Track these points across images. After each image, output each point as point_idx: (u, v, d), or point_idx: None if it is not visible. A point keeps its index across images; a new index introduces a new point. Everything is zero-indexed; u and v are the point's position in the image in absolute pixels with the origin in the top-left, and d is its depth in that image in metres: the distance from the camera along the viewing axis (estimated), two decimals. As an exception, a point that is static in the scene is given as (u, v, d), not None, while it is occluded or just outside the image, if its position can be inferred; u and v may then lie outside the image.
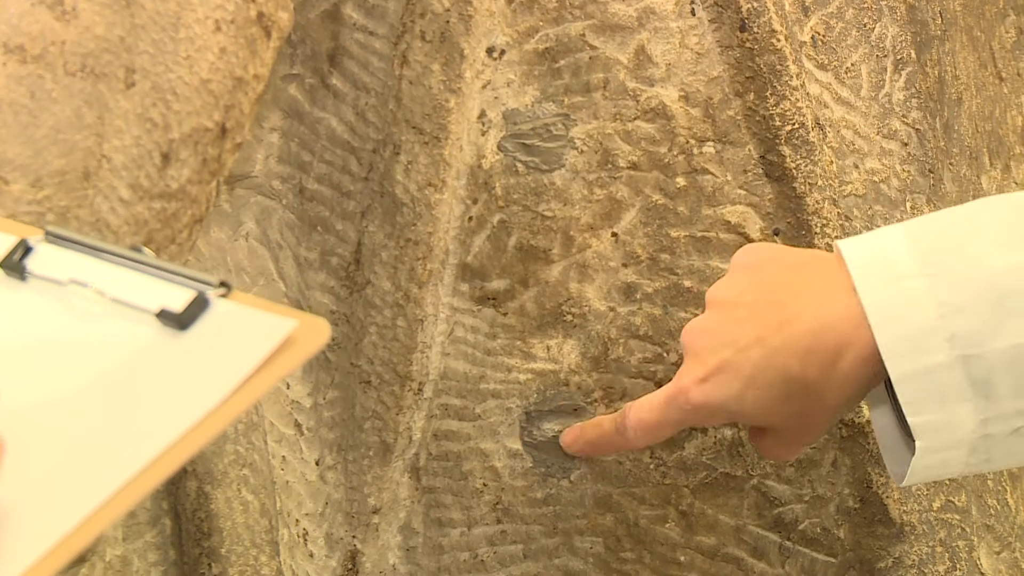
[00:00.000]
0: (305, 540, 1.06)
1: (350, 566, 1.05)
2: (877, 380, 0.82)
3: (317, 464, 1.04)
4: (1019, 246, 0.77)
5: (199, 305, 0.60)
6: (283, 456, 1.06)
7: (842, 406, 0.84)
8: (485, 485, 1.02)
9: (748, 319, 0.84)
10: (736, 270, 0.88)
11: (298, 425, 1.05)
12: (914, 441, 0.80)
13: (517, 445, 1.01)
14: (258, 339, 0.58)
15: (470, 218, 1.00)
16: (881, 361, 0.78)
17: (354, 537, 1.04)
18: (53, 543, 0.53)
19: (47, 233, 0.65)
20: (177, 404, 0.57)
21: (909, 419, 0.79)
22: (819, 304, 0.81)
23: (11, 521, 0.53)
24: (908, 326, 0.77)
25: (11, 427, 0.56)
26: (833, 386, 0.81)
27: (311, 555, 1.06)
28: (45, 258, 0.64)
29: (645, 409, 0.90)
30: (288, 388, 1.04)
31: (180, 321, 0.60)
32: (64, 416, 0.58)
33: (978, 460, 0.81)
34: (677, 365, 1.00)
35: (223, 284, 0.60)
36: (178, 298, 0.60)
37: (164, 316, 0.60)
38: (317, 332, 0.58)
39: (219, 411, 0.56)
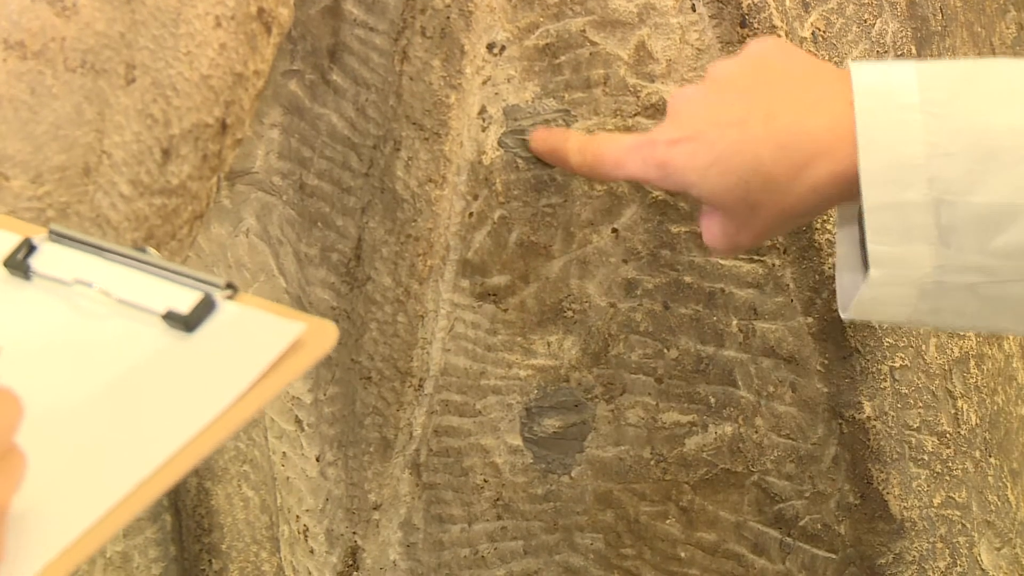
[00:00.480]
0: (306, 536, 1.06)
1: (351, 562, 1.05)
2: (839, 200, 0.82)
3: (318, 460, 1.04)
4: (1021, 108, 0.77)
5: (206, 307, 0.60)
6: (284, 452, 1.06)
7: (796, 215, 0.83)
8: (486, 481, 1.02)
9: (737, 101, 0.84)
10: (745, 55, 0.88)
11: (298, 421, 1.05)
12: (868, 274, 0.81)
13: (518, 441, 1.01)
14: (266, 342, 0.58)
15: (471, 214, 1.00)
16: (852, 182, 0.78)
17: (355, 533, 1.04)
18: (64, 546, 0.52)
19: (51, 232, 0.65)
20: (185, 407, 0.56)
21: (869, 246, 0.79)
22: (811, 108, 0.81)
23: (22, 525, 0.53)
24: (894, 156, 0.77)
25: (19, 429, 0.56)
26: (795, 189, 0.81)
27: (312, 551, 1.06)
28: (49, 257, 0.64)
29: (611, 145, 0.89)
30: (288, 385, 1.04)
31: (187, 323, 0.59)
32: (72, 418, 0.58)
33: (927, 307, 0.80)
34: (677, 361, 1.00)
35: (229, 286, 0.60)
36: (184, 299, 0.60)
37: (171, 318, 0.60)
38: (325, 335, 0.58)
39: (228, 414, 0.56)
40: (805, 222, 0.85)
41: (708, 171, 0.83)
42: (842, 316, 0.87)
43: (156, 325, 0.60)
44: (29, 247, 0.64)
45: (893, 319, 0.83)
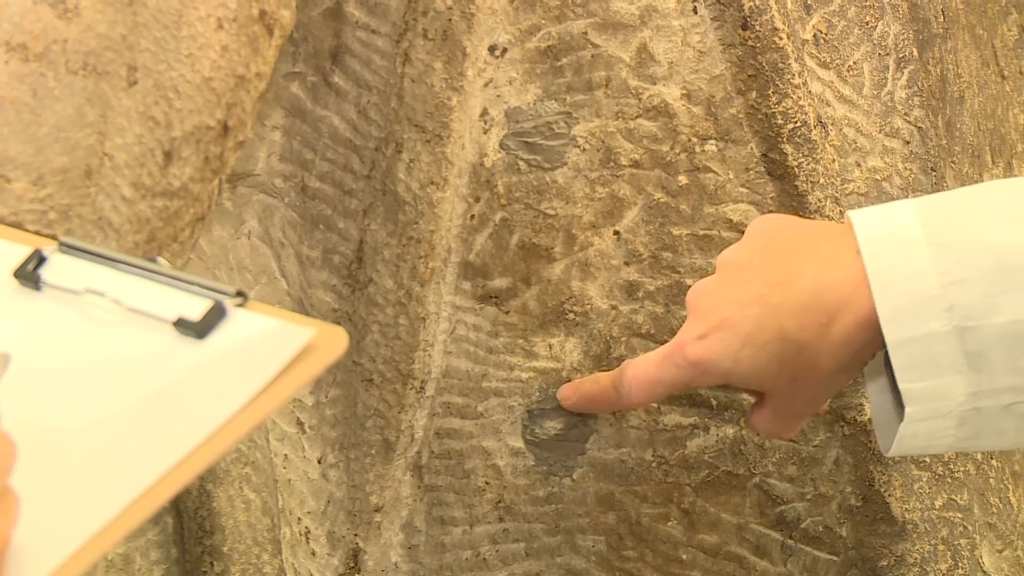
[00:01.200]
0: (307, 538, 1.06)
1: (352, 564, 1.05)
2: (871, 349, 0.82)
3: (319, 462, 1.04)
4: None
5: (216, 314, 0.60)
6: (285, 454, 1.06)
7: (835, 373, 0.83)
8: (487, 483, 1.02)
9: (753, 279, 0.84)
10: (748, 236, 0.88)
11: (300, 423, 1.05)
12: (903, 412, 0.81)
13: (519, 443, 1.01)
14: (276, 348, 0.58)
15: (472, 216, 1.00)
16: (877, 327, 0.79)
17: (356, 535, 1.04)
18: (74, 549, 0.53)
19: (61, 243, 0.65)
20: (196, 412, 0.57)
21: (900, 385, 0.79)
22: (822, 266, 0.81)
23: (33, 529, 0.53)
24: (909, 292, 0.77)
25: (31, 435, 0.56)
26: (826, 348, 0.81)
27: (313, 553, 1.06)
28: (59, 268, 0.64)
29: (642, 366, 0.90)
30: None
31: (198, 330, 0.60)
32: (84, 425, 0.58)
33: (966, 434, 0.81)
34: (679, 363, 1.00)
35: (240, 293, 0.60)
36: (195, 307, 0.60)
37: (182, 325, 0.60)
38: (335, 341, 0.58)
39: (237, 419, 0.56)
40: (849, 379, 0.85)
41: (740, 354, 0.83)
42: (886, 455, 0.88)
43: (167, 333, 0.60)
44: (39, 258, 0.64)
45: (936, 450, 0.83)
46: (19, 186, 0.76)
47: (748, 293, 0.84)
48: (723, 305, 0.85)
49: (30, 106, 0.76)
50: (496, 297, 1.00)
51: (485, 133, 0.99)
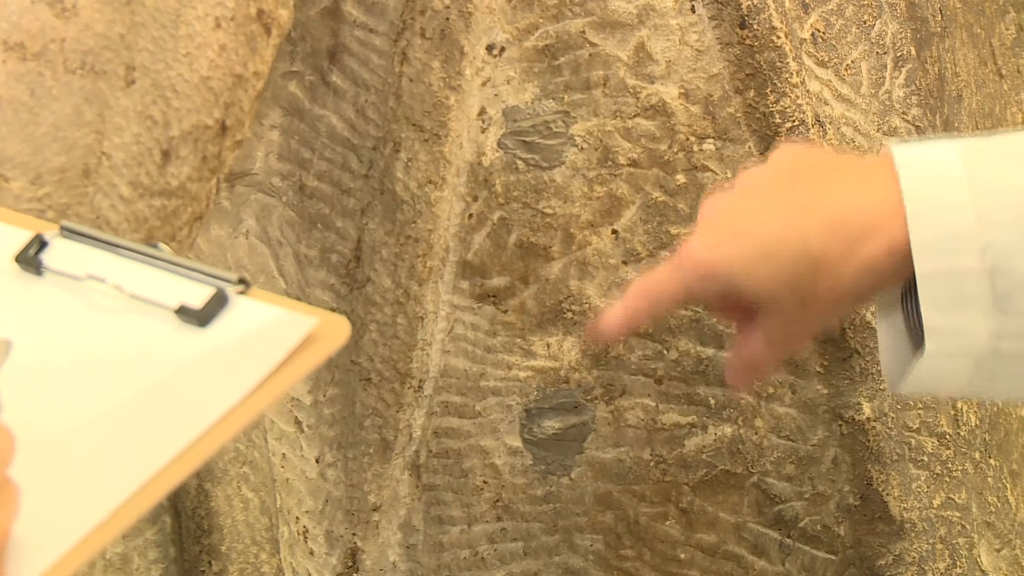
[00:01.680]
0: (305, 538, 1.06)
1: (350, 563, 1.05)
2: (893, 278, 0.81)
3: (317, 461, 1.04)
4: None
5: (219, 301, 0.60)
6: (283, 453, 1.06)
7: (845, 300, 0.82)
8: (485, 482, 1.02)
9: (778, 196, 0.83)
10: (773, 160, 0.87)
11: (298, 422, 1.05)
12: (920, 349, 0.80)
13: (517, 442, 1.01)
14: (279, 336, 0.58)
15: (470, 215, 1.00)
16: (905, 255, 0.77)
17: (354, 535, 1.04)
18: (76, 541, 0.52)
19: (62, 228, 0.65)
20: (199, 401, 0.57)
21: (926, 317, 0.78)
22: (855, 189, 0.80)
23: (34, 521, 0.53)
24: (944, 225, 0.77)
25: (31, 425, 0.56)
26: (848, 270, 0.80)
27: (311, 552, 1.06)
28: (61, 253, 0.64)
29: (646, 276, 0.89)
30: (288, 386, 1.04)
31: (200, 317, 0.60)
32: (86, 413, 0.58)
33: (981, 378, 0.80)
34: (677, 362, 1.00)
35: (242, 281, 0.60)
36: (197, 294, 0.60)
37: (184, 312, 0.60)
38: (338, 329, 0.58)
39: (241, 408, 0.56)
40: (852, 310, 0.84)
41: (755, 264, 0.82)
42: (892, 392, 0.87)
43: (169, 320, 0.60)
44: (40, 243, 0.64)
45: (948, 391, 0.82)
46: (17, 185, 0.76)
47: (773, 207, 0.82)
48: (743, 217, 0.83)
49: (28, 105, 0.76)
50: (494, 296, 1.00)
51: (483, 132, 0.99)
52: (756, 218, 0.82)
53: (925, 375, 0.81)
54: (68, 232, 0.65)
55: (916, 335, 0.81)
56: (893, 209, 0.78)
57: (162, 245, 0.64)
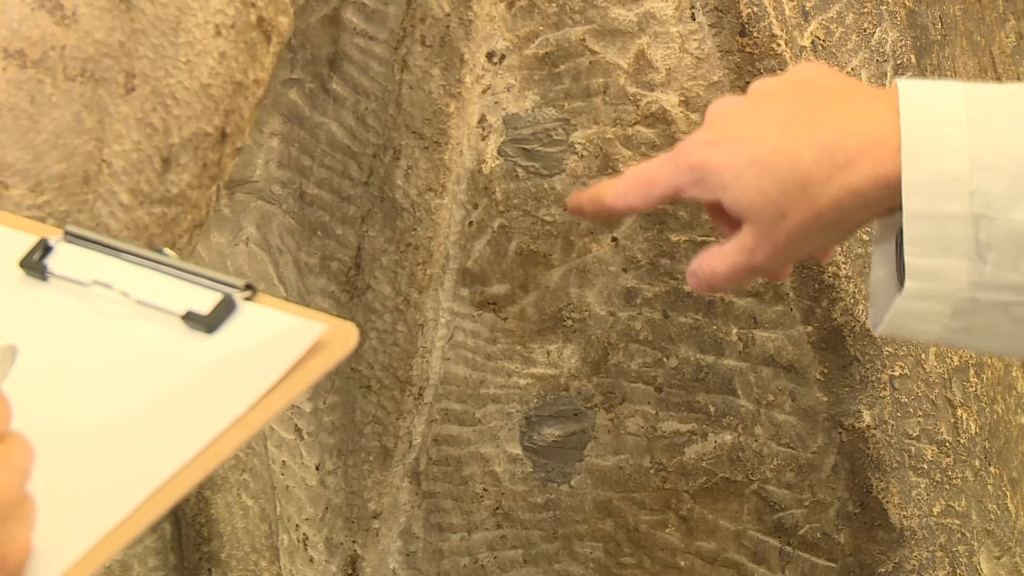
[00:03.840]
0: (305, 545, 1.06)
1: (350, 571, 1.05)
2: (874, 210, 0.81)
3: (317, 469, 1.04)
4: None
5: (226, 307, 0.59)
6: (283, 461, 1.06)
7: (824, 224, 0.82)
8: (485, 490, 1.02)
9: (782, 108, 0.83)
10: (789, 74, 0.88)
11: (298, 430, 1.05)
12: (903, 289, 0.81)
13: (517, 450, 1.01)
14: (288, 342, 0.57)
15: (470, 223, 1.00)
16: (890, 189, 0.78)
17: (354, 542, 1.04)
18: (86, 550, 0.52)
19: (67, 232, 0.64)
20: (208, 408, 0.56)
21: (907, 257, 0.78)
22: (856, 113, 0.81)
23: (44, 529, 0.53)
24: (937, 167, 0.77)
25: (40, 432, 0.55)
26: (832, 190, 0.80)
27: (311, 560, 1.06)
28: (66, 258, 0.63)
29: (641, 166, 0.89)
30: (288, 393, 1.04)
31: (207, 323, 0.59)
32: (96, 420, 0.58)
33: (959, 325, 0.80)
34: (677, 370, 1.00)
35: (248, 287, 0.60)
36: (204, 300, 0.60)
37: (191, 318, 0.59)
38: (346, 335, 0.57)
39: (250, 416, 0.55)
40: (827, 241, 0.84)
41: (744, 171, 0.83)
42: (874, 332, 0.87)
43: (176, 326, 0.60)
44: (45, 248, 0.64)
45: (925, 336, 0.82)
46: (17, 192, 0.76)
47: (773, 117, 0.83)
48: (743, 123, 0.84)
49: (28, 112, 0.76)
50: (494, 303, 1.00)
51: (483, 140, 0.99)
52: (757, 127, 0.83)
53: (903, 315, 0.81)
54: (72, 237, 0.64)
55: (903, 277, 0.81)
56: (888, 140, 0.79)
57: (167, 250, 0.63)
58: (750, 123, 0.84)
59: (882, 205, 0.80)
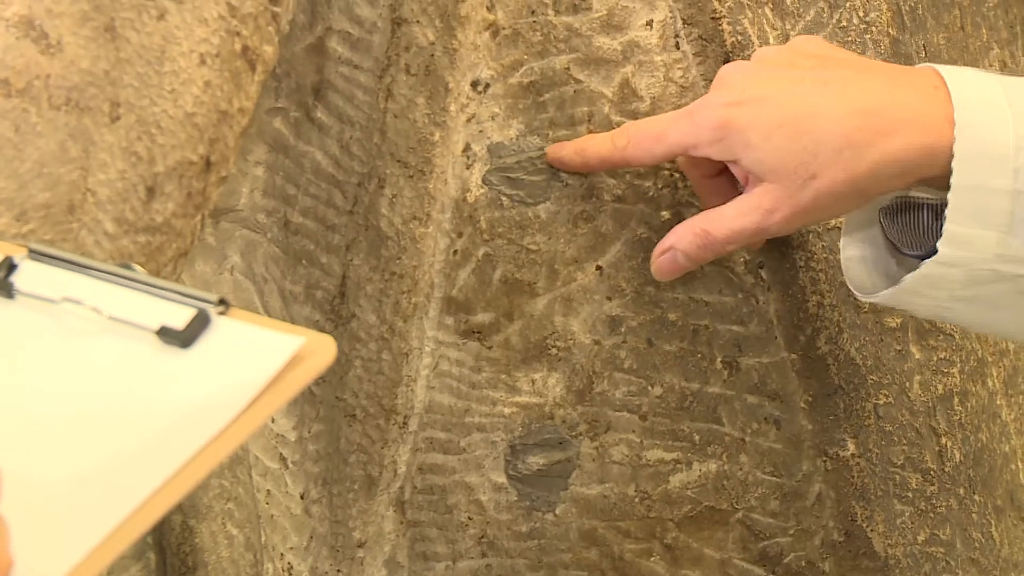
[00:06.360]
0: (290, 574, 1.05)
1: (335, 600, 1.04)
2: (909, 178, 0.81)
3: (302, 498, 1.04)
4: None
5: (201, 322, 0.58)
6: (268, 490, 1.06)
7: (853, 191, 0.82)
8: (470, 519, 1.02)
9: (810, 75, 0.82)
10: (790, 45, 0.87)
11: (283, 459, 1.04)
12: (898, 267, 0.81)
13: (502, 479, 1.01)
14: (266, 356, 0.56)
15: (455, 252, 1.00)
16: (932, 159, 0.79)
17: (339, 571, 1.04)
18: (66, 571, 0.52)
19: (31, 250, 0.63)
20: (186, 425, 0.55)
21: (948, 224, 0.79)
22: (897, 83, 0.81)
23: (18, 554, 0.52)
24: (987, 141, 0.79)
25: (11, 451, 0.55)
26: (872, 156, 0.80)
27: (296, 589, 1.05)
28: (32, 275, 0.62)
29: (647, 120, 0.88)
30: (273, 422, 1.04)
31: (183, 339, 0.58)
32: (69, 440, 0.57)
33: (967, 295, 0.81)
34: (662, 398, 1.00)
35: (222, 301, 0.59)
36: (178, 315, 0.59)
37: (165, 334, 0.58)
38: (324, 349, 0.57)
39: (231, 428, 0.55)
40: (846, 208, 0.83)
41: (775, 132, 0.82)
42: (863, 299, 0.88)
43: (150, 342, 0.59)
44: (9, 265, 0.63)
45: (926, 305, 0.83)
46: (1, 222, 0.76)
47: (805, 81, 0.82)
48: (767, 85, 0.83)
49: (12, 142, 0.76)
50: (479, 332, 1.00)
51: (468, 168, 0.99)
52: (786, 91, 0.83)
53: (920, 282, 0.82)
54: (36, 254, 0.64)
55: (894, 249, 0.83)
56: (935, 111, 0.80)
57: (135, 265, 0.62)
58: (778, 86, 0.83)
59: (915, 175, 0.81)
